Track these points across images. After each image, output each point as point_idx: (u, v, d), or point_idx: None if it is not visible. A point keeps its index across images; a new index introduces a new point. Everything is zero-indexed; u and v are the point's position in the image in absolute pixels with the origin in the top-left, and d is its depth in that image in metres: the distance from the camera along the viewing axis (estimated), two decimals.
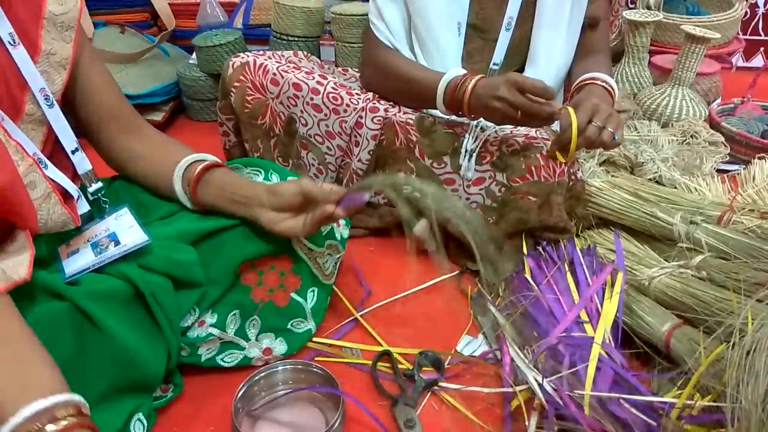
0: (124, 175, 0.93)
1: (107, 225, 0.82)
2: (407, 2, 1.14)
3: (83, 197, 0.82)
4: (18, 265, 0.67)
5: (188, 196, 0.88)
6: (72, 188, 0.80)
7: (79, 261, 0.78)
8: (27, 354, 0.60)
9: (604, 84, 1.09)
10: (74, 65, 0.80)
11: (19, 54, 0.73)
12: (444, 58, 1.14)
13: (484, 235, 1.07)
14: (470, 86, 1.01)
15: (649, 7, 1.89)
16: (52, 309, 0.70)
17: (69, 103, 0.81)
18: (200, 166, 0.87)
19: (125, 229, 0.80)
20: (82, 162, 0.83)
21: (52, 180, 0.76)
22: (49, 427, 0.55)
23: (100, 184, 0.85)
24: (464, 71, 1.06)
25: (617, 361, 0.80)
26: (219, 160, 0.91)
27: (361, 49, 1.27)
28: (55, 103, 0.78)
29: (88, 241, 0.81)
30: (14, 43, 0.73)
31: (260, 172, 0.96)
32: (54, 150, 0.81)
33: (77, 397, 0.59)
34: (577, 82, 1.13)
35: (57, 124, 0.79)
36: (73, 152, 0.81)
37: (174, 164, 0.88)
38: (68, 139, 0.81)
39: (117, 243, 0.79)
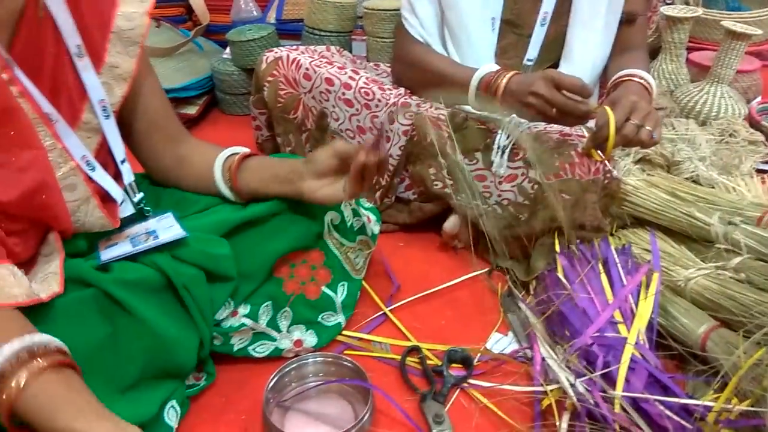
0: (165, 181, 0.95)
1: (149, 225, 0.84)
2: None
3: (129, 201, 0.84)
4: (47, 278, 0.69)
5: (229, 184, 0.89)
6: (117, 193, 0.82)
7: (115, 251, 0.80)
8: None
9: (641, 81, 1.07)
10: (135, 80, 0.83)
11: (84, 65, 0.75)
12: (477, 53, 1.13)
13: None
14: (503, 82, 1.01)
15: (687, 3, 1.84)
16: (79, 296, 0.71)
17: (121, 112, 0.84)
18: (239, 155, 0.89)
19: (166, 227, 0.82)
20: (128, 172, 0.85)
21: (95, 183, 0.78)
22: (34, 363, 0.57)
23: (141, 194, 0.88)
24: (497, 67, 1.05)
25: (651, 363, 0.78)
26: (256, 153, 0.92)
27: (393, 44, 1.27)
28: (111, 114, 0.80)
29: (128, 236, 0.83)
30: (80, 54, 0.75)
31: None
32: (105, 159, 0.84)
33: (58, 341, 0.61)
34: (614, 78, 1.11)
35: (111, 134, 0.81)
36: (121, 162, 0.84)
37: (213, 158, 0.89)
38: (118, 149, 0.83)
39: (156, 238, 0.80)
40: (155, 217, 0.86)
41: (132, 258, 0.79)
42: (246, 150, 0.91)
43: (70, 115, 0.76)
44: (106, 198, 0.82)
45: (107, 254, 0.79)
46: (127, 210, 0.84)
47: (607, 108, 0.94)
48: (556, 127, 1.05)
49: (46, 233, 0.77)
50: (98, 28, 0.77)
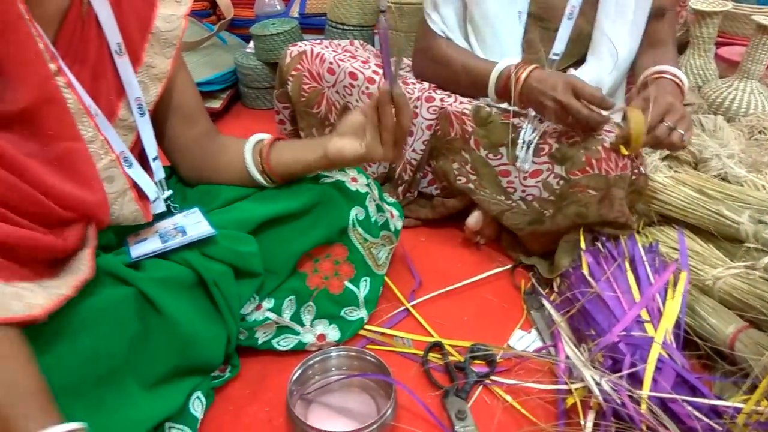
0: (197, 179, 0.96)
1: (176, 220, 0.85)
2: None
3: (160, 198, 0.85)
4: (79, 266, 0.70)
5: (260, 167, 0.89)
6: (151, 189, 0.84)
7: (145, 247, 0.80)
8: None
9: (675, 79, 1.05)
10: (170, 80, 0.84)
11: (123, 63, 0.78)
12: (503, 48, 1.12)
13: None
14: (523, 76, 1.00)
15: None
16: (117, 294, 0.72)
17: (156, 108, 0.85)
18: (269, 138, 0.91)
19: (193, 223, 0.83)
20: (159, 170, 0.86)
21: (131, 178, 0.79)
22: None
23: (170, 192, 0.89)
24: (518, 60, 1.05)
25: (678, 363, 0.77)
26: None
27: (415, 38, 1.26)
28: (147, 112, 0.82)
29: (156, 231, 0.84)
30: (120, 52, 0.77)
31: None
32: (138, 156, 0.85)
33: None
34: (645, 74, 1.09)
35: (145, 132, 0.82)
36: (153, 159, 0.85)
37: (242, 145, 0.91)
38: (152, 146, 0.84)
39: (184, 234, 0.81)
40: (182, 212, 0.87)
41: (162, 255, 0.80)
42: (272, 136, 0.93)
43: (107, 110, 0.77)
44: (141, 193, 0.83)
45: (137, 250, 0.80)
46: (159, 207, 0.85)
47: (637, 111, 0.94)
48: None
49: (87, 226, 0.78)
50: (138, 29, 0.79)
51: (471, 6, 1.13)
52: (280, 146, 0.90)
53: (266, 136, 0.92)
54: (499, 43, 1.12)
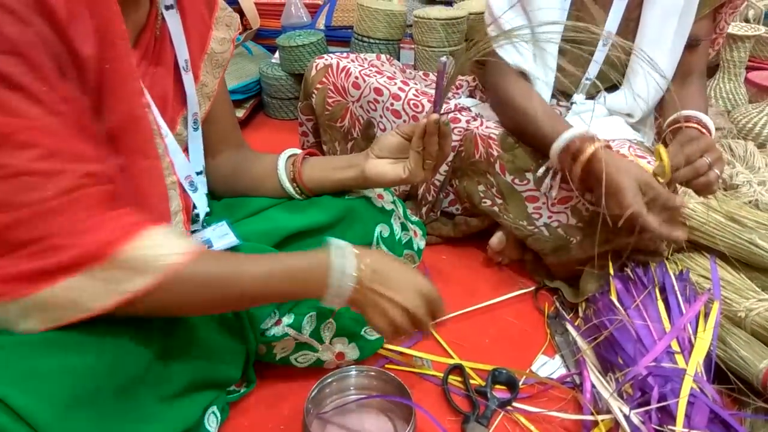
0: (224, 191, 0.96)
1: (204, 234, 0.85)
2: (528, 14, 1.08)
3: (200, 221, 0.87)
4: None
5: (292, 177, 0.90)
6: (203, 212, 0.85)
7: None
8: None
9: (701, 128, 1.01)
10: (215, 98, 0.88)
11: (188, 79, 0.80)
12: (540, 70, 1.09)
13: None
14: (589, 151, 0.91)
15: (747, 21, 1.78)
16: None
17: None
18: (303, 152, 0.92)
19: (221, 236, 0.83)
20: (203, 184, 0.87)
21: (186, 200, 0.81)
22: None
23: (208, 209, 0.89)
24: (587, 129, 0.96)
25: (710, 397, 0.75)
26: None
27: (487, 68, 1.19)
28: (200, 126, 0.84)
29: None
30: (187, 69, 0.80)
31: None
32: None
33: None
34: (675, 117, 1.04)
35: (195, 146, 0.84)
36: (197, 173, 0.85)
37: (275, 158, 0.92)
38: (198, 161, 0.85)
39: (211, 246, 0.81)
40: (211, 227, 0.86)
41: None
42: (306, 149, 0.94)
43: (170, 125, 0.78)
44: (188, 216, 0.84)
45: None
46: (196, 226, 0.86)
47: (662, 146, 0.92)
48: (614, 145, 1.01)
49: None
50: (198, 48, 0.83)
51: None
52: (314, 161, 0.91)
53: (299, 151, 0.93)
54: (539, 65, 1.10)
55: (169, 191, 0.77)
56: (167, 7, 0.75)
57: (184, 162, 0.80)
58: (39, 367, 0.60)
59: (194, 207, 0.85)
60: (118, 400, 0.68)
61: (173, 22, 0.77)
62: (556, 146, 0.97)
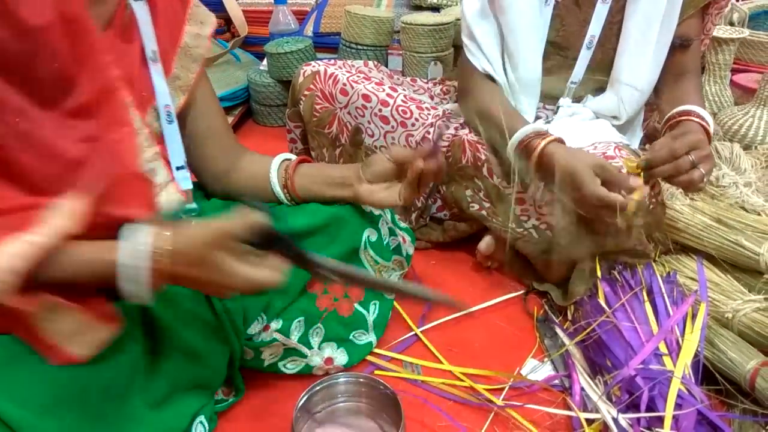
0: (220, 190, 0.95)
1: None
2: (498, 19, 1.10)
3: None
4: None
5: (284, 185, 0.90)
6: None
7: None
8: None
9: (702, 122, 1.00)
10: (191, 92, 0.87)
11: (156, 70, 0.80)
12: (526, 75, 1.10)
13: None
14: (539, 147, 0.95)
15: (732, 24, 1.80)
16: (126, 309, 0.71)
17: (181, 121, 0.87)
18: (296, 159, 0.92)
19: None
20: (185, 180, 0.86)
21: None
22: None
23: (194, 205, 0.88)
24: (542, 127, 0.99)
25: (698, 399, 0.75)
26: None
27: (457, 70, 1.23)
28: (175, 119, 0.83)
29: None
30: (155, 60, 0.79)
31: None
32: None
33: None
34: (671, 113, 1.04)
35: (172, 139, 0.83)
36: (178, 168, 0.84)
37: (268, 163, 0.92)
38: (178, 155, 0.84)
39: None
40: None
41: None
42: (299, 156, 0.93)
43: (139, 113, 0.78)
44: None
45: None
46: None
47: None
48: (599, 149, 1.02)
49: None
50: (169, 41, 0.83)
51: (507, 35, 1.10)
52: (306, 170, 0.91)
53: (293, 156, 0.93)
54: (523, 70, 1.11)
55: (151, 163, 0.77)
56: None
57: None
58: (19, 371, 0.60)
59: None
60: (105, 404, 0.68)
61: (141, 12, 0.77)
62: (511, 144, 0.99)
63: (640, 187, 0.90)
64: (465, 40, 1.13)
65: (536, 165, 0.96)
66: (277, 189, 0.90)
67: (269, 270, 0.65)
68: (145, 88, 0.79)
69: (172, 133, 0.83)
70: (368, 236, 0.93)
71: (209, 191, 0.96)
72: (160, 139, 0.82)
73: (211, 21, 0.89)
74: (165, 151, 0.83)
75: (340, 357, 0.93)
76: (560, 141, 0.96)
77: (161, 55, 0.80)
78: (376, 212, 0.94)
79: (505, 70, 1.13)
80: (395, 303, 1.04)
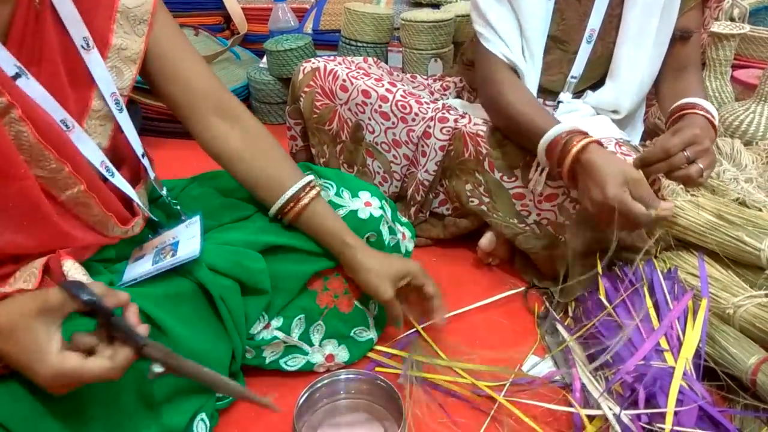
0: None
1: (177, 232, 0.84)
2: (514, 6, 1.07)
3: (144, 205, 0.83)
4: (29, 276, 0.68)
5: (284, 213, 0.87)
6: (133, 196, 0.81)
7: (137, 269, 0.79)
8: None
9: (706, 114, 0.99)
10: (152, 57, 0.80)
11: (93, 59, 0.73)
12: (528, 69, 1.10)
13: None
14: (575, 149, 0.90)
15: (732, 19, 1.79)
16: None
17: (156, 89, 0.82)
18: (306, 202, 0.86)
19: (188, 238, 0.81)
20: (150, 167, 0.83)
21: (116, 189, 0.77)
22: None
23: (165, 192, 0.86)
24: (576, 127, 0.95)
25: (699, 395, 0.75)
26: (315, 183, 0.90)
27: (475, 62, 1.15)
28: (124, 107, 0.77)
29: (156, 247, 0.82)
30: (87, 47, 0.72)
31: (331, 186, 0.95)
32: (124, 152, 0.83)
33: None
34: (674, 107, 1.03)
35: (126, 128, 0.79)
36: (142, 156, 0.82)
37: (278, 186, 0.87)
38: (136, 143, 0.81)
39: (175, 253, 0.79)
40: (186, 221, 0.85)
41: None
42: (316, 190, 0.88)
43: (80, 105, 0.73)
44: (127, 203, 0.80)
45: (129, 273, 0.79)
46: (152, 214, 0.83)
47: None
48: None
49: None
50: (101, 11, 0.74)
51: (524, 24, 1.07)
52: (314, 213, 0.87)
53: (306, 182, 0.88)
54: (533, 61, 1.10)
55: (82, 198, 0.71)
56: None
57: (94, 149, 0.74)
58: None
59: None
60: (103, 406, 0.68)
61: (62, 3, 0.69)
62: (545, 139, 0.94)
63: (668, 209, 0.86)
64: (479, 29, 1.09)
65: (573, 162, 0.91)
66: (274, 212, 0.88)
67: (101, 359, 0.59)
68: (84, 78, 0.73)
69: (125, 121, 0.78)
70: (367, 238, 0.92)
71: (233, 173, 0.90)
72: (118, 129, 0.77)
73: None
74: (126, 139, 0.79)
75: (342, 354, 0.93)
76: (599, 143, 0.92)
77: (94, 30, 0.72)
78: (377, 213, 0.93)
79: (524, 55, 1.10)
80: None
